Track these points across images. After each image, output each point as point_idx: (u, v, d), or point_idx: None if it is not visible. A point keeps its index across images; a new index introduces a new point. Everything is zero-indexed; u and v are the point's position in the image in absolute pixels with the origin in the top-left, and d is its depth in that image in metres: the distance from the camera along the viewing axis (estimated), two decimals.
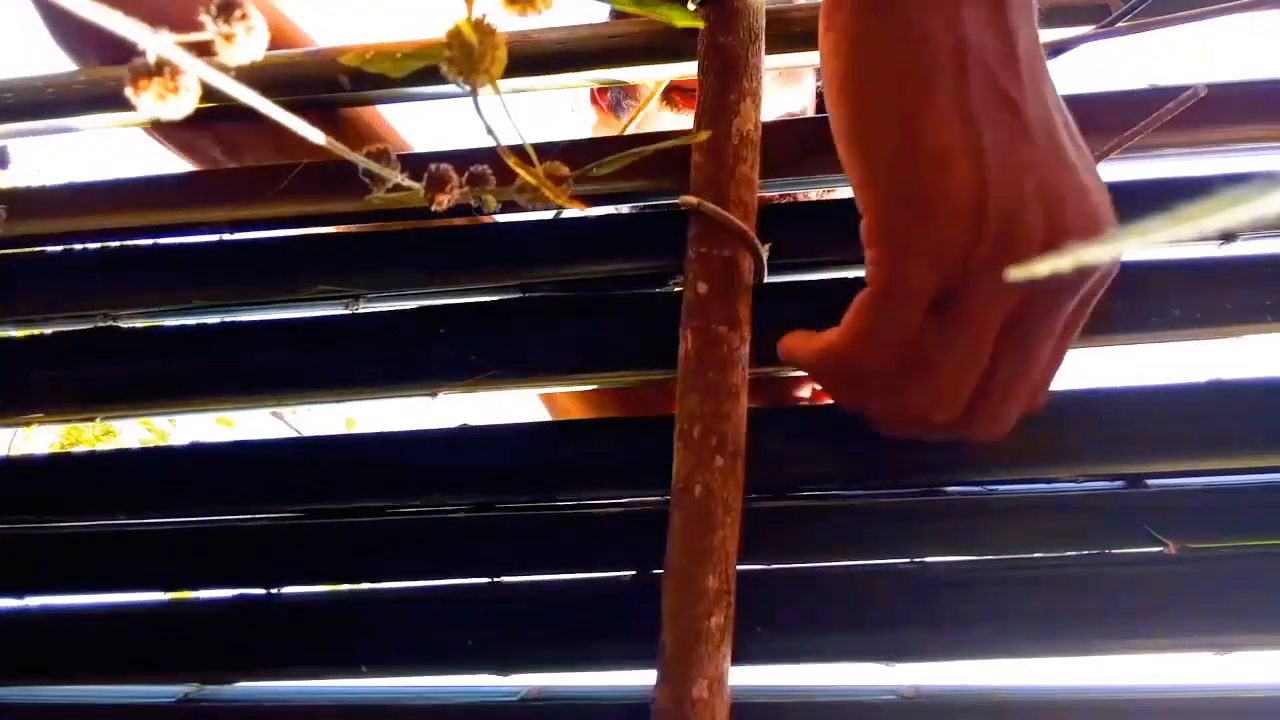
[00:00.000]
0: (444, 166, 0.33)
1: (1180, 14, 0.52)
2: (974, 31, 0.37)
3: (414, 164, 0.56)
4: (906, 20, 0.37)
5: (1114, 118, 0.53)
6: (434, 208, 0.33)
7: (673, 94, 0.88)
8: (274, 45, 0.67)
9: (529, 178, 0.33)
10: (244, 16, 0.21)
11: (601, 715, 0.51)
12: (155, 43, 0.20)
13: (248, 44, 0.22)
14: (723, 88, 0.52)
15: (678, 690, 0.46)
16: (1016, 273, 0.33)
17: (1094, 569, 0.49)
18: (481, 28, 0.29)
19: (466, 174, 0.35)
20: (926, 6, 0.38)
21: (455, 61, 0.30)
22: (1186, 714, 0.48)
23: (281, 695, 0.53)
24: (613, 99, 0.94)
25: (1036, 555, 0.50)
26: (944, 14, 0.37)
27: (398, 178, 0.32)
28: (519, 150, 0.34)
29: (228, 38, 0.21)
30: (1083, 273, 0.39)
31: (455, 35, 0.29)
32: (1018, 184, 0.37)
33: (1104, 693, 0.49)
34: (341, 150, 0.29)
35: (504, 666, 0.52)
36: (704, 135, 0.49)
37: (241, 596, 0.55)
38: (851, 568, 0.51)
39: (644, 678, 0.49)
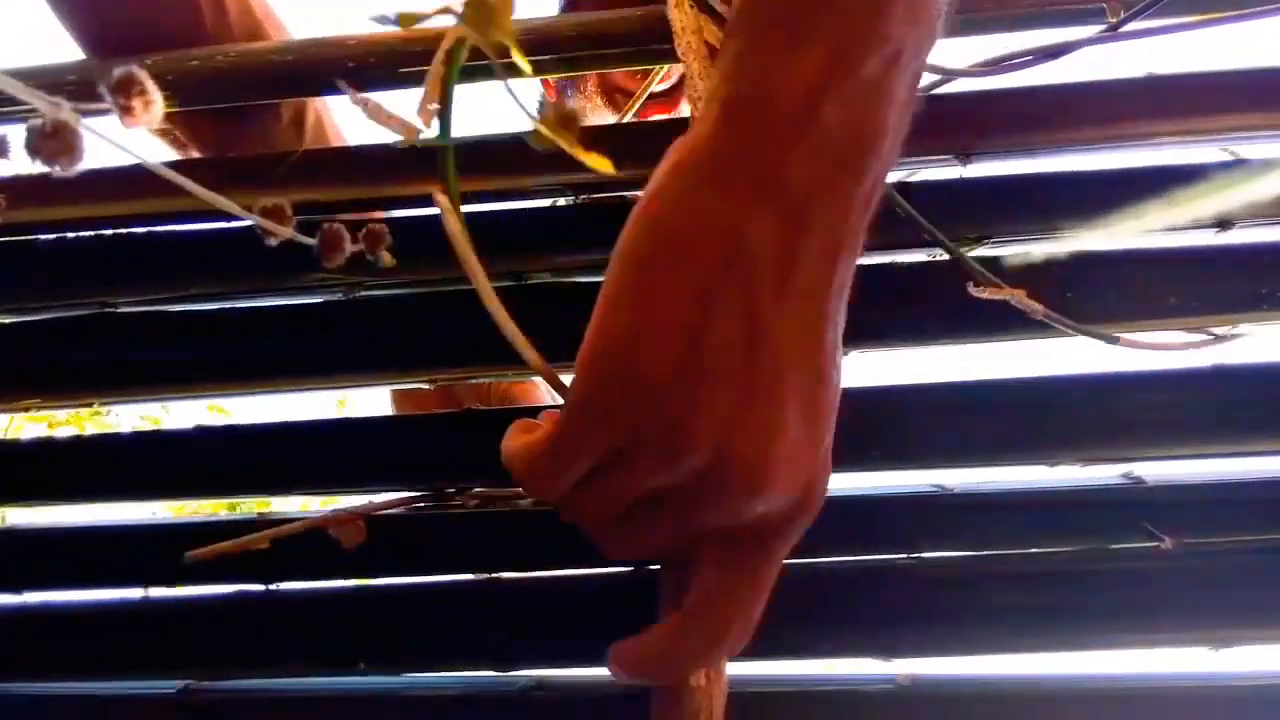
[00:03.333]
0: (337, 225, 0.33)
1: (1183, 21, 0.52)
2: (755, 233, 0.37)
3: None
4: (698, 192, 0.38)
5: (1115, 106, 0.53)
6: (327, 265, 0.33)
7: (615, 94, 0.89)
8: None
9: (544, 129, 0.33)
10: (142, 91, 0.22)
11: (600, 705, 0.51)
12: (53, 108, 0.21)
13: (146, 116, 0.22)
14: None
15: (676, 679, 0.47)
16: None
17: (1090, 565, 0.50)
18: None
19: (363, 231, 0.34)
20: (722, 190, 0.37)
21: (470, 17, 0.30)
22: (1180, 702, 0.48)
23: (280, 686, 0.54)
24: (559, 84, 0.95)
25: (1033, 551, 0.50)
26: (732, 203, 0.37)
27: (289, 234, 0.32)
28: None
29: (126, 109, 0.22)
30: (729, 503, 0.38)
31: None
32: (703, 404, 0.36)
33: (1099, 682, 0.49)
34: (235, 209, 0.29)
35: (502, 663, 0.52)
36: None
37: (241, 593, 0.55)
38: (849, 563, 0.52)
39: None
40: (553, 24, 0.58)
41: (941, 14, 0.40)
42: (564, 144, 0.33)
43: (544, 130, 0.33)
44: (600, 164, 0.33)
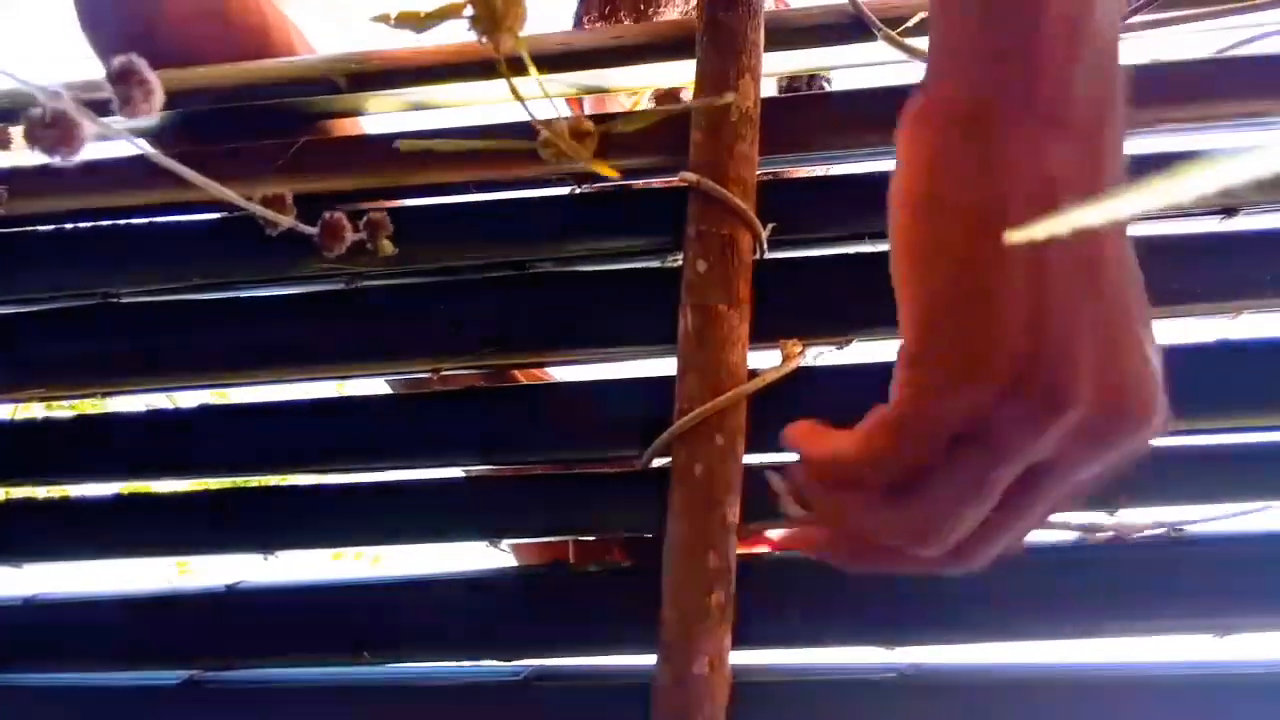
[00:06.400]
0: (337, 214, 0.33)
1: (1188, 13, 0.52)
2: (1061, 168, 0.34)
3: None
4: (989, 143, 0.35)
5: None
6: (327, 253, 0.33)
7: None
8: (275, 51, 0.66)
9: (552, 135, 0.33)
10: (141, 81, 0.22)
11: (603, 694, 0.51)
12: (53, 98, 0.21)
13: (145, 105, 0.22)
14: (722, 64, 0.52)
15: (679, 668, 0.47)
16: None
17: (1094, 553, 0.50)
18: None
19: (364, 219, 0.34)
20: (1015, 133, 0.35)
21: (479, 19, 0.30)
22: (1184, 690, 0.48)
23: (284, 676, 0.54)
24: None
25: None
26: (1032, 144, 0.34)
27: (290, 222, 0.32)
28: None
29: (126, 99, 0.22)
30: (1116, 447, 0.36)
31: None
32: (1074, 344, 0.34)
33: (1103, 670, 0.49)
34: (236, 199, 0.29)
35: (505, 651, 0.52)
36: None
37: (243, 584, 0.56)
38: None
39: (645, 658, 0.49)
40: (569, 39, 0.57)
41: None
42: (577, 156, 0.32)
43: (558, 142, 0.32)
44: (608, 171, 0.33)
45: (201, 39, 0.65)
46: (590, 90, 0.60)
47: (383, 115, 0.62)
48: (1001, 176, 0.35)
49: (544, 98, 0.37)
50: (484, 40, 0.30)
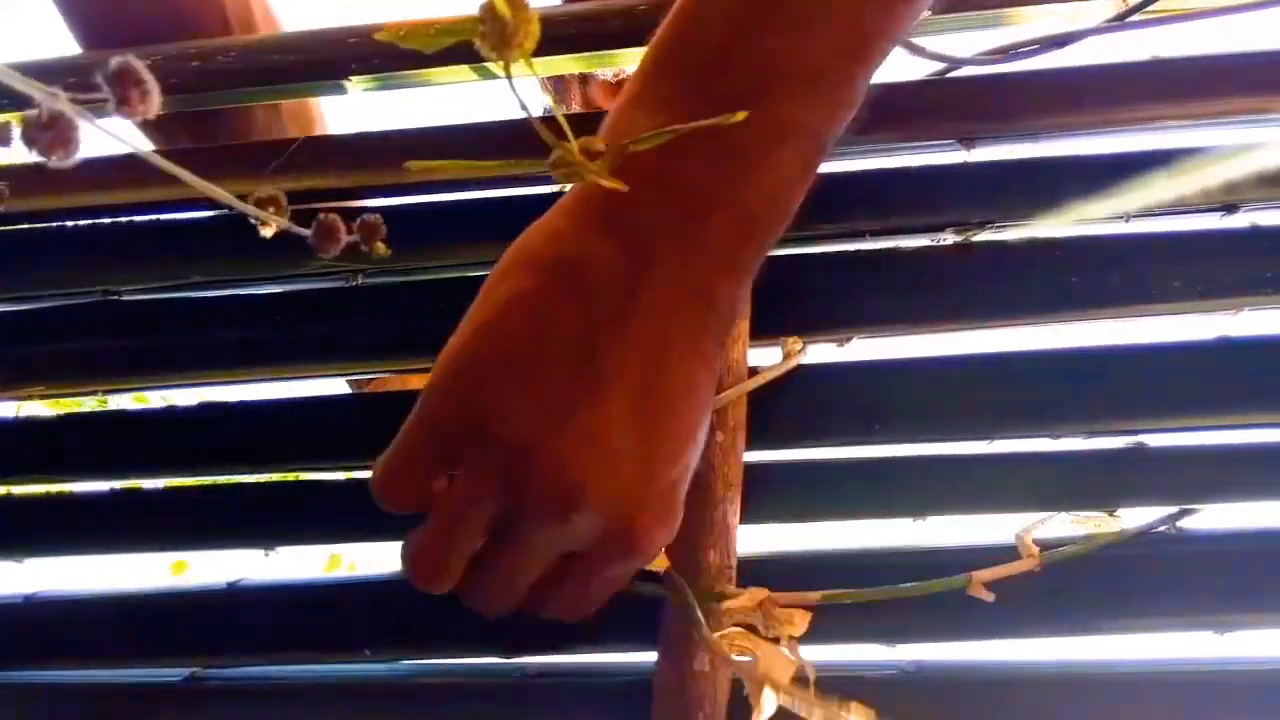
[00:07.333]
0: (332, 216, 0.33)
1: (1189, 9, 0.52)
2: (597, 258, 0.40)
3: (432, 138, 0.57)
4: (556, 216, 0.43)
5: (1119, 90, 0.53)
6: (322, 255, 0.33)
7: (593, 91, 0.90)
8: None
9: (565, 152, 0.33)
10: (139, 82, 0.22)
11: (604, 690, 0.51)
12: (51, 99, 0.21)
13: (143, 107, 0.22)
14: None
15: (679, 664, 0.47)
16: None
17: (1093, 550, 0.50)
18: (515, 2, 0.29)
19: (358, 221, 0.35)
20: (574, 216, 0.42)
21: (488, 36, 0.30)
22: (1184, 687, 0.48)
23: (285, 674, 0.54)
24: (554, 89, 0.95)
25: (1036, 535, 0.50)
26: (581, 228, 0.42)
27: (284, 224, 0.32)
28: (554, 125, 0.34)
29: (124, 100, 0.22)
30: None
31: (488, 10, 0.29)
32: (523, 400, 0.39)
33: (1103, 667, 0.49)
34: (231, 200, 0.29)
35: (506, 649, 0.52)
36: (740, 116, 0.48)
37: (245, 581, 0.56)
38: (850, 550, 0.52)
39: (646, 656, 0.49)
40: (548, 15, 0.57)
41: (843, 109, 0.42)
42: (590, 174, 0.33)
43: (571, 157, 0.32)
44: (620, 187, 0.33)
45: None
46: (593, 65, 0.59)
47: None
48: (547, 253, 0.42)
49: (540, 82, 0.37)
50: (494, 58, 0.30)
